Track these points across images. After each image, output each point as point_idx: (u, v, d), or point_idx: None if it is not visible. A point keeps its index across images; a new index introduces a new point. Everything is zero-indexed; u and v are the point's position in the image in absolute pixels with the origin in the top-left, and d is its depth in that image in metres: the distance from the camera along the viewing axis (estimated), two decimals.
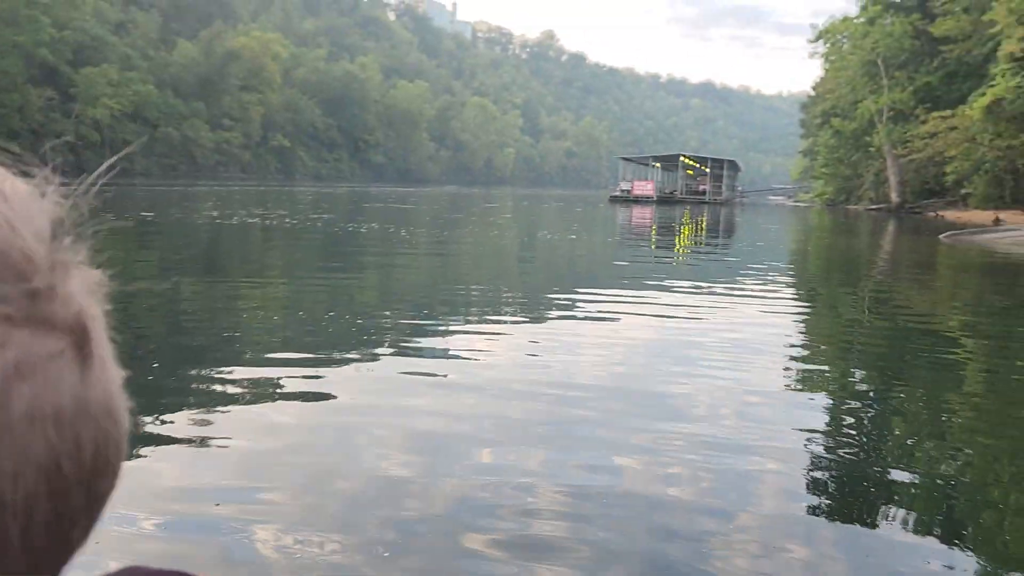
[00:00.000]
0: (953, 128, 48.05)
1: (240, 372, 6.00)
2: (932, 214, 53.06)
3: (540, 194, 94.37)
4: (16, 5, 73.69)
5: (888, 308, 11.41)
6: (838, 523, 3.76)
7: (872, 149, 64.17)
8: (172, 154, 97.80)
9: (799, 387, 6.41)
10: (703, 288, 12.10)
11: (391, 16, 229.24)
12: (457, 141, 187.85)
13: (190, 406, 5.14)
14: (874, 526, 3.75)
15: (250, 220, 25.44)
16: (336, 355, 6.74)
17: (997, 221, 39.60)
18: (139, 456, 4.11)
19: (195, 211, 29.40)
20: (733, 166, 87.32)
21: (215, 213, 28.28)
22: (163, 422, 4.73)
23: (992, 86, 43.46)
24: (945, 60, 57.88)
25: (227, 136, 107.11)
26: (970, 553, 3.52)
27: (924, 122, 52.41)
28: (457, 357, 6.73)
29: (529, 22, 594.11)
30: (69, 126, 79.73)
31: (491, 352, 7.03)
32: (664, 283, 12.58)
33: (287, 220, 25.71)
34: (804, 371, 7.03)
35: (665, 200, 69.27)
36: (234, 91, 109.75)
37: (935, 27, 55.56)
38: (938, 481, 4.44)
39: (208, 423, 4.79)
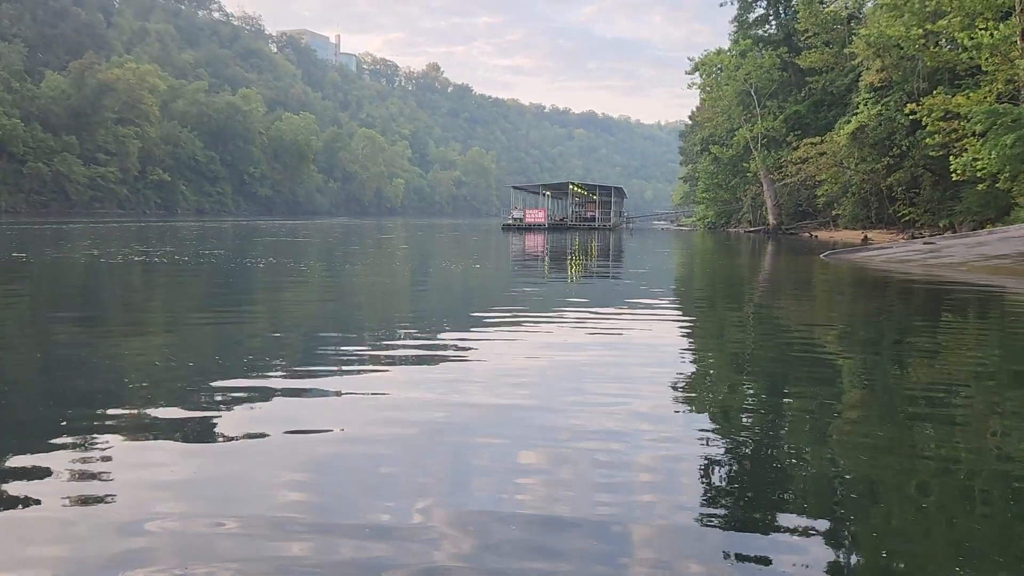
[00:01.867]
0: (822, 153, 51.19)
1: (122, 416, 5.71)
2: (807, 234, 56.22)
3: (433, 224, 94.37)
4: None
5: (783, 323, 11.98)
6: (731, 532, 3.87)
7: (749, 174, 67.55)
8: (42, 190, 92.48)
9: (689, 403, 6.64)
10: (596, 311, 12.39)
11: (273, 48, 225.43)
12: (346, 172, 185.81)
13: (66, 450, 4.85)
14: (765, 532, 3.88)
15: (136, 257, 24.29)
16: (236, 394, 6.51)
17: (865, 240, 42.37)
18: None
19: (73, 249, 27.83)
20: (619, 193, 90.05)
21: (95, 251, 26.87)
22: (30, 475, 4.49)
23: (856, 113, 46.63)
24: (812, 90, 61.78)
25: (102, 171, 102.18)
26: (856, 549, 3.72)
27: (796, 148, 55.62)
28: (351, 391, 6.64)
29: (413, 56, 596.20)
30: None
31: (392, 381, 7.05)
32: (559, 308, 12.80)
33: (176, 257, 24.71)
34: (695, 387, 7.29)
35: (556, 227, 70.63)
36: (109, 124, 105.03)
37: (801, 59, 59.29)
38: (824, 483, 4.64)
39: (79, 474, 4.54)
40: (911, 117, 39.26)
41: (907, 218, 45.74)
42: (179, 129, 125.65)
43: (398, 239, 45.59)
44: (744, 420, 6.03)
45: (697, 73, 68.24)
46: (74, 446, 4.99)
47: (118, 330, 10.40)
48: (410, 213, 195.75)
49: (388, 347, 8.82)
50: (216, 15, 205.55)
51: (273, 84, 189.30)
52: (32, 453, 4.87)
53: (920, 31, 38.63)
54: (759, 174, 64.37)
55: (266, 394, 6.45)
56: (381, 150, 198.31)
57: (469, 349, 8.75)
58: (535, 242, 43.93)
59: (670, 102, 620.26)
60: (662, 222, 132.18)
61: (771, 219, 64.17)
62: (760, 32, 70.33)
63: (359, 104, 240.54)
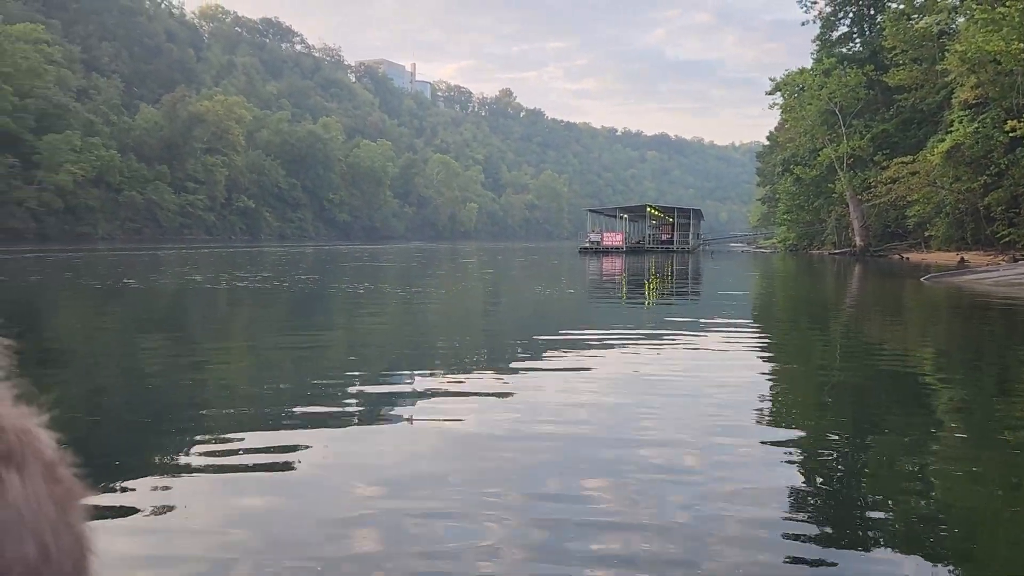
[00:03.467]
0: (914, 173, 49.61)
1: (230, 434, 5.87)
2: (897, 256, 54.39)
3: (508, 247, 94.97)
4: None
5: (878, 347, 11.58)
6: (814, 568, 3.74)
7: (834, 195, 65.87)
8: (136, 218, 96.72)
9: (772, 426, 6.47)
10: (680, 333, 12.25)
11: (352, 78, 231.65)
12: (421, 197, 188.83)
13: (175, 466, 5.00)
14: (852, 566, 3.72)
15: (238, 283, 25.12)
16: (341, 411, 6.63)
17: (962, 262, 40.73)
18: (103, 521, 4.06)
19: (176, 275, 28.98)
20: (697, 215, 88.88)
21: (197, 277, 27.90)
22: (124, 490, 4.68)
23: (951, 132, 45.08)
24: (900, 108, 60.02)
25: (191, 199, 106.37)
26: None
27: (885, 167, 54.03)
28: (442, 409, 6.74)
29: (485, 82, 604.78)
30: (31, 193, 78.59)
31: (488, 398, 7.18)
32: (645, 329, 12.66)
33: (275, 281, 25.44)
34: (778, 411, 7.11)
35: (634, 250, 70.12)
36: (198, 154, 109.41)
37: (889, 77, 57.72)
38: (916, 519, 4.41)
39: (170, 488, 4.72)
40: (1011, 134, 37.75)
41: (1007, 239, 43.83)
42: (263, 158, 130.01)
43: (479, 263, 46.02)
44: (829, 445, 5.84)
45: (778, 93, 67.14)
46: (160, 460, 5.18)
47: (232, 348, 10.76)
48: (483, 237, 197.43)
49: (487, 368, 8.88)
50: (298, 47, 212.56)
51: (352, 112, 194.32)
52: (119, 464, 5.09)
53: (1021, 45, 37.20)
54: (845, 195, 62.72)
55: (345, 418, 6.62)
56: (455, 175, 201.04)
57: (559, 370, 8.76)
58: (614, 265, 43.72)
59: (742, 123, 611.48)
60: (739, 244, 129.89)
61: (858, 240, 62.35)
62: (844, 50, 68.80)
63: (434, 130, 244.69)
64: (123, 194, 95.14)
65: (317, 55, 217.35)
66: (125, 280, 25.74)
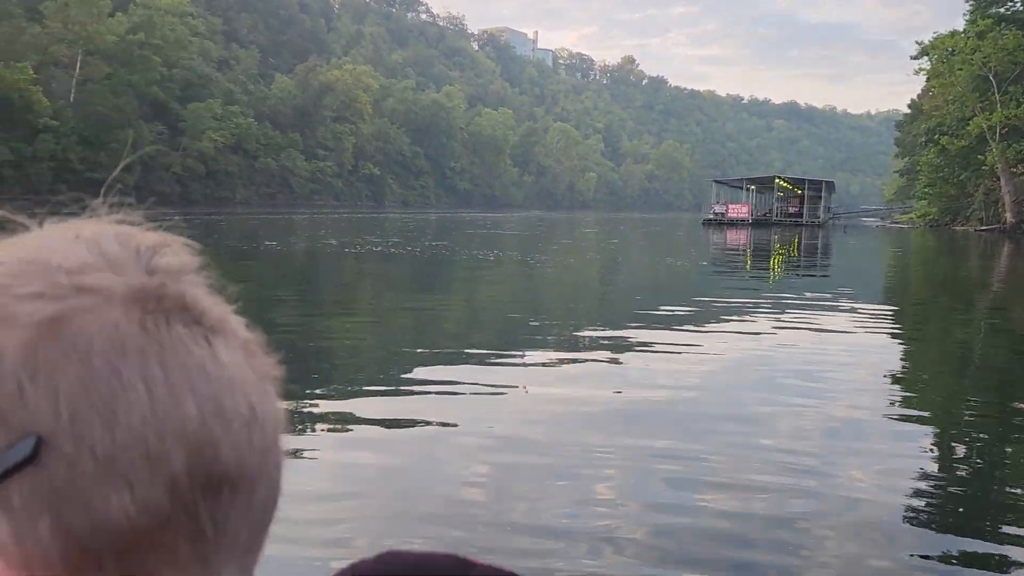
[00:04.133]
0: None
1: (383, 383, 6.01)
2: None
3: (628, 218, 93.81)
4: (130, 46, 78.00)
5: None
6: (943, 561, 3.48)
7: (984, 167, 61.46)
8: (271, 183, 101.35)
9: (901, 409, 6.11)
10: (816, 312, 11.74)
11: (475, 46, 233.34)
12: (540, 167, 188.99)
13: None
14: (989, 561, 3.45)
15: (374, 248, 25.93)
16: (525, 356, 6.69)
17: None
18: None
19: (313, 239, 30.20)
20: (829, 187, 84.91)
21: (333, 241, 28.98)
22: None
23: None
24: None
25: (321, 165, 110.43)
26: None
27: None
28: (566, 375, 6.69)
29: (608, 50, 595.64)
30: (177, 159, 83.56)
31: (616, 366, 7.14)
32: (774, 305, 12.17)
33: (406, 247, 26.11)
34: (910, 394, 6.72)
35: (760, 223, 67.86)
36: (328, 122, 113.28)
37: None
38: None
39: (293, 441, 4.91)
40: None
41: None
42: (388, 126, 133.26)
43: (603, 234, 45.72)
44: (963, 433, 5.44)
45: (925, 57, 62.97)
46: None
47: (375, 312, 11.12)
48: (600, 207, 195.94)
49: (616, 336, 8.79)
50: (423, 16, 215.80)
51: (474, 81, 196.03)
52: None
53: None
54: (996, 167, 58.40)
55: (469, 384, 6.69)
56: (575, 144, 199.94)
57: (685, 345, 8.61)
58: (740, 238, 42.47)
59: (880, 90, 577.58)
60: (872, 218, 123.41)
61: (1009, 217, 58.06)
62: (1002, 10, 63.60)
63: (554, 99, 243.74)
64: (259, 160, 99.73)
65: (441, 24, 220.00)
66: (267, 243, 27.05)
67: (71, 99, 74.44)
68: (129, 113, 77.25)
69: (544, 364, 7.61)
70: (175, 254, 0.39)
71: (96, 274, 0.35)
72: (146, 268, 0.37)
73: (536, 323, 10.63)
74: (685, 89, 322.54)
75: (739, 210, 69.20)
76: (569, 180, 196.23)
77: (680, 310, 11.88)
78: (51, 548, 0.33)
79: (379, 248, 25.73)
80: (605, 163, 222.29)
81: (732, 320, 10.54)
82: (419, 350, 8.42)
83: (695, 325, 10.09)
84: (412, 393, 6.39)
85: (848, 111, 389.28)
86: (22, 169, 68.46)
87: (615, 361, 7.77)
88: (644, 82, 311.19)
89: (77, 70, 75.34)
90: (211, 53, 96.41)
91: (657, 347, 8.51)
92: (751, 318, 10.83)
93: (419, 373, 7.11)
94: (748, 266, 22.83)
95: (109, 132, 72.25)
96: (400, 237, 32.86)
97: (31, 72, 68.23)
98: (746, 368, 7.42)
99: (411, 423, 5.50)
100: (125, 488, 0.34)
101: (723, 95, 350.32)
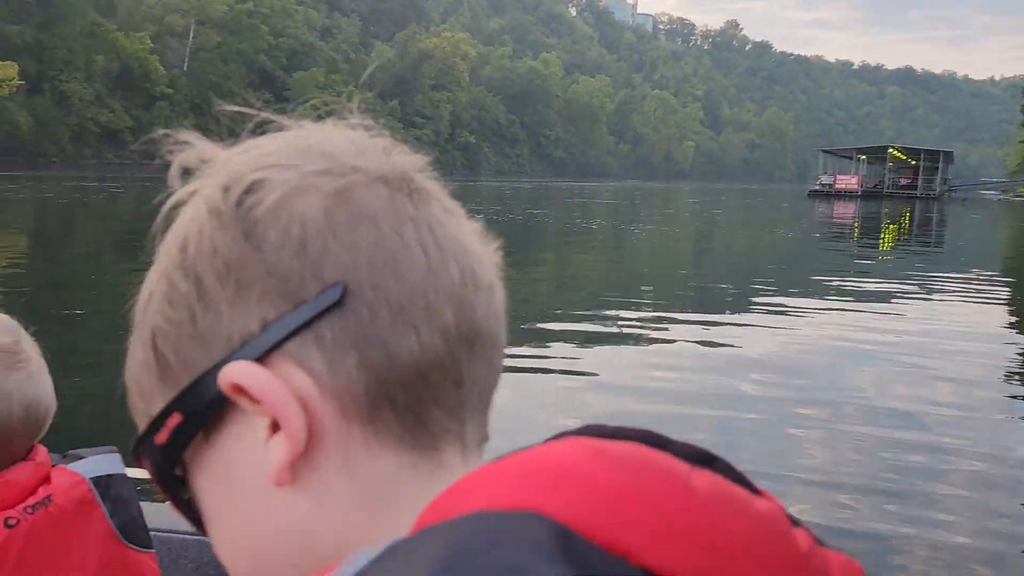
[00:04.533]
0: None
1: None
2: None
3: (728, 189, 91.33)
4: (239, 16, 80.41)
5: None
6: None
7: None
8: None
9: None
10: (934, 290, 10.97)
11: (572, 12, 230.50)
12: (637, 135, 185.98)
13: None
14: None
15: (475, 215, 25.94)
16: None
17: None
18: None
19: None
20: (947, 157, 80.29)
21: None
22: None
23: None
24: None
25: (419, 133, 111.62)
26: None
27: None
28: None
29: (710, 14, 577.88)
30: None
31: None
32: (897, 282, 11.42)
33: (509, 215, 26.06)
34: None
35: (870, 195, 64.89)
36: (426, 90, 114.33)
37: None
38: None
39: None
40: None
41: None
42: (485, 94, 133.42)
43: (704, 204, 44.63)
44: None
45: None
46: None
47: None
48: (698, 177, 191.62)
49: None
50: None
51: (571, 48, 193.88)
52: None
53: None
54: None
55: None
56: (673, 112, 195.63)
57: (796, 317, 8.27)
58: (849, 211, 40.67)
59: (1008, 54, 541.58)
60: (992, 192, 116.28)
61: None
62: None
63: (653, 65, 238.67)
64: None
65: None
66: None
67: (184, 67, 77.49)
68: (237, 81, 79.88)
69: (656, 328, 7.40)
70: (409, 153, 0.45)
71: (362, 158, 0.42)
72: (392, 159, 0.43)
73: (651, 288, 10.39)
74: (791, 55, 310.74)
75: (848, 181, 66.39)
76: (666, 149, 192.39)
77: (791, 282, 11.42)
78: (358, 380, 0.39)
79: (479, 216, 25.71)
80: (704, 131, 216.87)
81: (842, 296, 10.05)
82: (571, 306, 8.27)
83: (807, 298, 9.68)
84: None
85: (969, 77, 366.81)
86: (140, 135, 71.83)
87: (743, 333, 7.51)
88: (747, 47, 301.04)
89: (190, 39, 78.27)
90: (314, 22, 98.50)
91: (773, 323, 8.21)
92: (862, 295, 10.30)
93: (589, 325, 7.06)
94: (857, 238, 21.83)
95: (217, 99, 75.09)
96: (499, 205, 32.85)
97: (149, 42, 71.27)
98: (859, 350, 7.04)
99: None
100: (412, 331, 0.40)
101: (831, 60, 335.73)
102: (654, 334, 7.56)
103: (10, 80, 61.02)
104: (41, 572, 1.04)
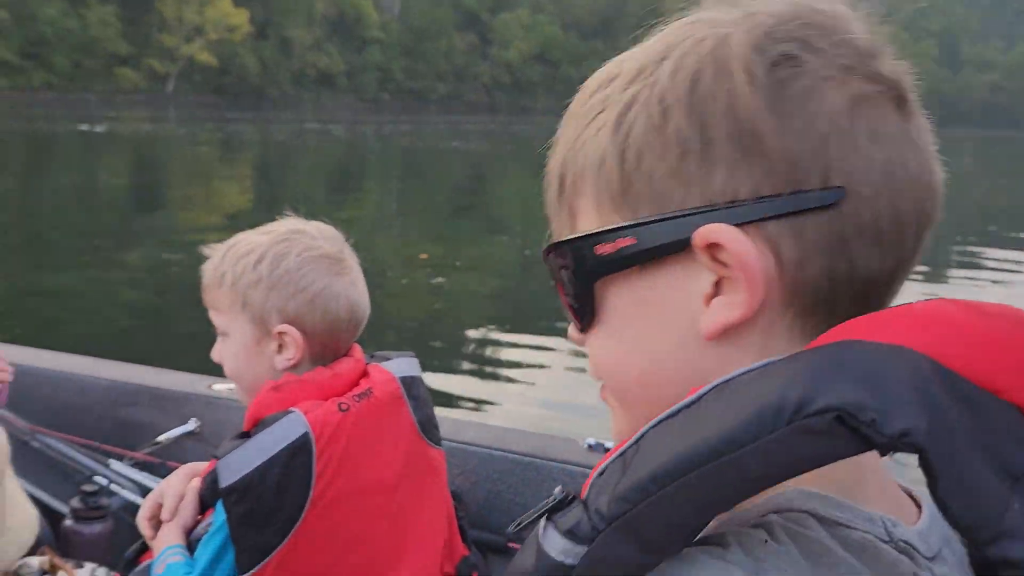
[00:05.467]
0: None
1: None
2: None
3: (969, 136, 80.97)
4: None
5: None
6: None
7: None
8: (570, 93, 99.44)
9: None
10: None
11: None
12: None
13: None
14: None
15: None
16: None
17: None
18: None
19: None
20: None
21: None
22: None
23: None
24: None
25: None
26: None
27: None
28: None
29: None
30: (485, 68, 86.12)
31: None
32: None
33: None
34: None
35: None
36: (629, 30, 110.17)
37: None
38: None
39: None
40: None
41: None
42: None
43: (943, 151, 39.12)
44: None
45: None
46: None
47: None
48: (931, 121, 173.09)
49: None
50: None
51: None
52: None
53: None
54: None
55: None
56: (902, 48, 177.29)
57: None
58: None
59: None
60: None
61: None
62: None
63: None
64: (561, 69, 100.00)
65: None
66: None
67: (396, 12, 79.10)
68: (445, 24, 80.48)
69: None
70: (895, 58, 0.46)
71: (875, 61, 0.45)
72: (892, 67, 0.45)
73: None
74: None
75: None
76: None
77: None
78: (816, 283, 0.41)
79: None
80: (938, 71, 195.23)
81: None
82: None
83: None
84: None
85: None
86: (353, 78, 74.58)
87: None
88: None
89: None
90: None
91: None
92: None
93: None
94: None
95: (426, 42, 76.02)
96: None
97: None
98: None
99: None
100: (880, 255, 0.42)
101: None
102: None
103: (241, 26, 64.96)
104: (363, 453, 1.16)
